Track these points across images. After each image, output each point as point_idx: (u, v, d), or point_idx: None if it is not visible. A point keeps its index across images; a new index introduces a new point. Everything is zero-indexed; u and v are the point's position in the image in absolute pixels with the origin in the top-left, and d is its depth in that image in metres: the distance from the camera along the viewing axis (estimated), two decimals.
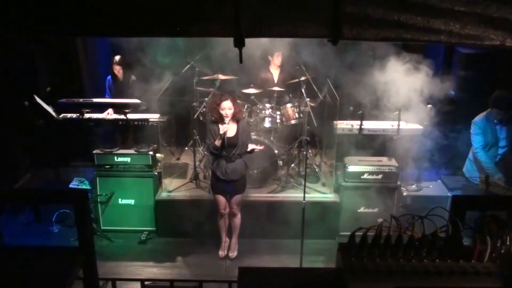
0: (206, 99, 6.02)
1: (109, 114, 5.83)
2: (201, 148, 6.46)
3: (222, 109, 4.72)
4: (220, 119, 4.79)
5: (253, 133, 5.66)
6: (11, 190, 4.54)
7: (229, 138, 4.81)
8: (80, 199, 2.23)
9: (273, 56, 6.10)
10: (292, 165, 6.18)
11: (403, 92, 5.15)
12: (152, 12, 1.89)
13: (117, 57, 5.99)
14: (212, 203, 5.19)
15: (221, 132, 4.73)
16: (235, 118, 4.86)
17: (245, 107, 5.92)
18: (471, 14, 1.84)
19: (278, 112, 5.94)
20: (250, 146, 4.91)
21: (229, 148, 4.83)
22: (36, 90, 5.84)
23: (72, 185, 5.85)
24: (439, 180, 5.93)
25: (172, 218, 5.64)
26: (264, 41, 5.43)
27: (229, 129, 4.79)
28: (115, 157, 5.67)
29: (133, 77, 6.09)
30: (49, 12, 1.90)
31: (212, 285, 4.50)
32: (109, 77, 6.13)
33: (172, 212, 5.62)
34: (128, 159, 5.67)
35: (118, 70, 5.98)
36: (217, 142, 4.78)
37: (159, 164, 5.90)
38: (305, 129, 5.76)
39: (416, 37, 1.89)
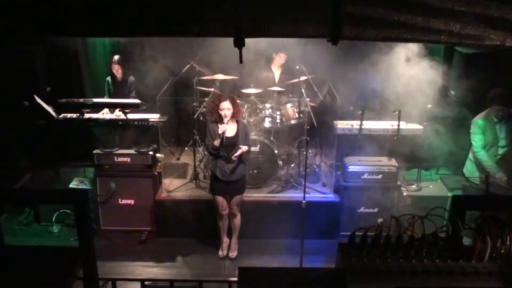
0: (206, 99, 6.02)
1: (104, 114, 5.83)
2: (201, 148, 6.46)
3: (221, 110, 4.72)
4: (220, 119, 4.79)
5: (253, 133, 5.66)
6: (11, 190, 4.54)
7: (228, 138, 4.81)
8: (80, 199, 2.23)
9: (277, 54, 6.08)
10: (292, 165, 6.18)
11: (403, 92, 5.16)
12: (152, 12, 1.89)
13: (116, 57, 5.99)
14: (212, 203, 5.20)
15: (220, 132, 4.72)
16: (234, 117, 4.86)
17: (245, 107, 5.92)
18: (471, 14, 1.84)
19: (278, 112, 5.93)
20: (238, 152, 4.81)
21: (229, 148, 4.83)
22: (36, 90, 5.83)
23: (72, 185, 5.85)
24: (439, 180, 5.93)
25: (172, 218, 5.64)
26: (267, 40, 5.42)
27: (228, 129, 4.79)
28: (115, 157, 5.67)
29: (131, 78, 6.09)
30: (50, 12, 1.90)
31: (212, 285, 4.50)
32: (108, 78, 6.13)
33: (172, 212, 5.62)
34: (128, 159, 5.67)
35: (117, 69, 5.98)
36: (216, 142, 4.78)
37: (159, 164, 5.90)
38: (305, 129, 5.76)
39: (416, 37, 1.89)
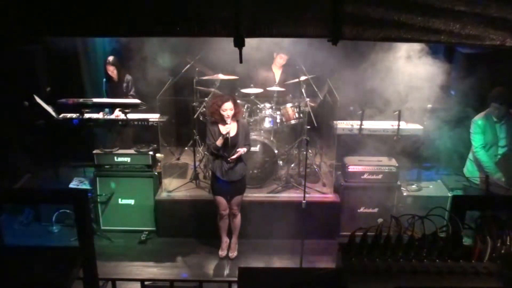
0: (206, 99, 6.02)
1: (104, 115, 5.83)
2: (201, 148, 6.46)
3: (224, 110, 4.73)
4: (221, 120, 4.80)
5: (253, 133, 5.66)
6: (11, 190, 4.54)
7: (230, 138, 4.81)
8: (80, 199, 2.23)
9: (277, 55, 6.07)
10: (292, 165, 6.18)
11: (403, 92, 5.16)
12: (152, 12, 1.89)
13: (110, 58, 5.98)
14: (212, 203, 5.20)
15: (224, 132, 4.74)
16: (235, 118, 4.87)
17: (245, 107, 5.93)
18: (471, 14, 1.84)
19: (278, 112, 5.93)
20: (236, 154, 4.83)
21: (229, 148, 4.84)
22: (36, 90, 5.83)
23: (72, 185, 5.85)
24: (439, 180, 5.93)
25: (172, 218, 5.64)
26: (268, 40, 5.42)
27: (231, 129, 4.81)
28: (115, 157, 5.67)
29: (128, 77, 6.09)
30: (50, 12, 1.90)
31: (212, 285, 4.50)
32: (104, 79, 6.13)
33: (172, 212, 5.62)
34: (128, 159, 5.67)
35: (112, 70, 5.97)
36: (219, 142, 4.79)
37: (159, 164, 5.90)
38: (305, 129, 5.76)
39: (416, 37, 1.89)
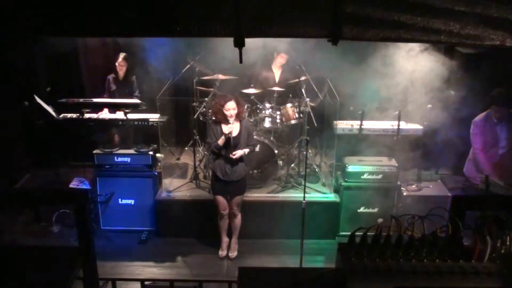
0: (206, 99, 6.02)
1: (101, 114, 5.83)
2: (201, 148, 6.46)
3: (227, 110, 4.73)
4: (224, 120, 4.80)
5: (253, 133, 5.66)
6: (11, 190, 4.53)
7: (232, 137, 4.81)
8: (80, 199, 2.23)
9: (278, 54, 6.07)
10: (292, 165, 6.18)
11: (403, 92, 5.16)
12: (152, 12, 1.89)
13: (122, 54, 6.00)
14: (212, 203, 5.20)
15: (226, 132, 4.73)
16: (238, 117, 4.87)
17: (245, 107, 5.92)
18: (471, 14, 1.84)
19: (278, 112, 5.93)
20: (238, 153, 4.83)
21: (231, 148, 4.83)
22: (36, 90, 5.83)
23: (72, 185, 5.85)
24: (439, 180, 5.93)
25: (172, 218, 5.64)
26: (268, 40, 5.42)
27: (234, 128, 4.81)
28: (115, 157, 5.67)
29: (134, 77, 6.10)
30: (49, 12, 1.90)
31: (212, 285, 4.50)
32: (109, 76, 6.12)
33: (172, 212, 5.62)
34: (128, 159, 5.67)
35: (122, 65, 5.97)
36: (220, 142, 4.78)
37: (159, 164, 5.90)
38: (305, 129, 5.76)
39: (416, 37, 1.89)
